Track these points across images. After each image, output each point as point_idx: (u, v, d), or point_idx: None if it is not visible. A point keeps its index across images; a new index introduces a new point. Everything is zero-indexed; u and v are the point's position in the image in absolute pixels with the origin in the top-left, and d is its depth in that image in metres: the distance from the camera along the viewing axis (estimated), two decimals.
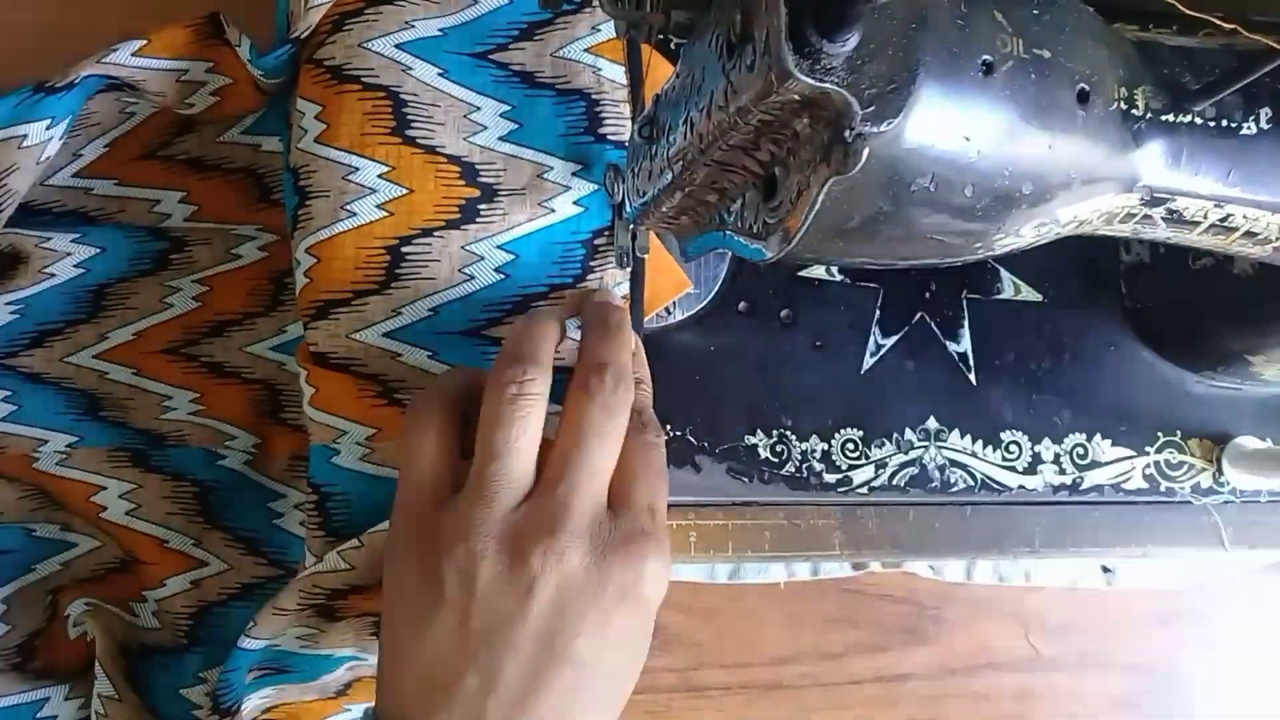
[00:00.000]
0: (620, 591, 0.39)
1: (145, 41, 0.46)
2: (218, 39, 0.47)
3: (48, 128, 0.45)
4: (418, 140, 0.47)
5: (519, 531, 0.39)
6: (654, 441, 0.43)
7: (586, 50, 0.49)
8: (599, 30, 0.49)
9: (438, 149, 0.47)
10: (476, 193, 0.48)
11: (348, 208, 0.46)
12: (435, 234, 0.47)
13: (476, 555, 0.39)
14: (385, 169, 0.47)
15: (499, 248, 0.48)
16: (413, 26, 0.48)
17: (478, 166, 0.48)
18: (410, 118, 0.47)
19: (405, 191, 0.47)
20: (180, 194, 0.53)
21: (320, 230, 0.47)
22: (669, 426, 0.49)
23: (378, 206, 0.47)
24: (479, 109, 0.48)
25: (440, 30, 0.48)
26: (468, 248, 0.47)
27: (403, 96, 0.47)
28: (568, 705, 0.39)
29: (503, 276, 0.48)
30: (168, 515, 0.52)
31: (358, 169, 0.47)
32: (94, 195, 0.53)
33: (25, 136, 0.45)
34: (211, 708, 0.46)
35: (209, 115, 0.51)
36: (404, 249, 0.47)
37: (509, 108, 0.48)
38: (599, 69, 0.49)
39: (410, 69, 0.48)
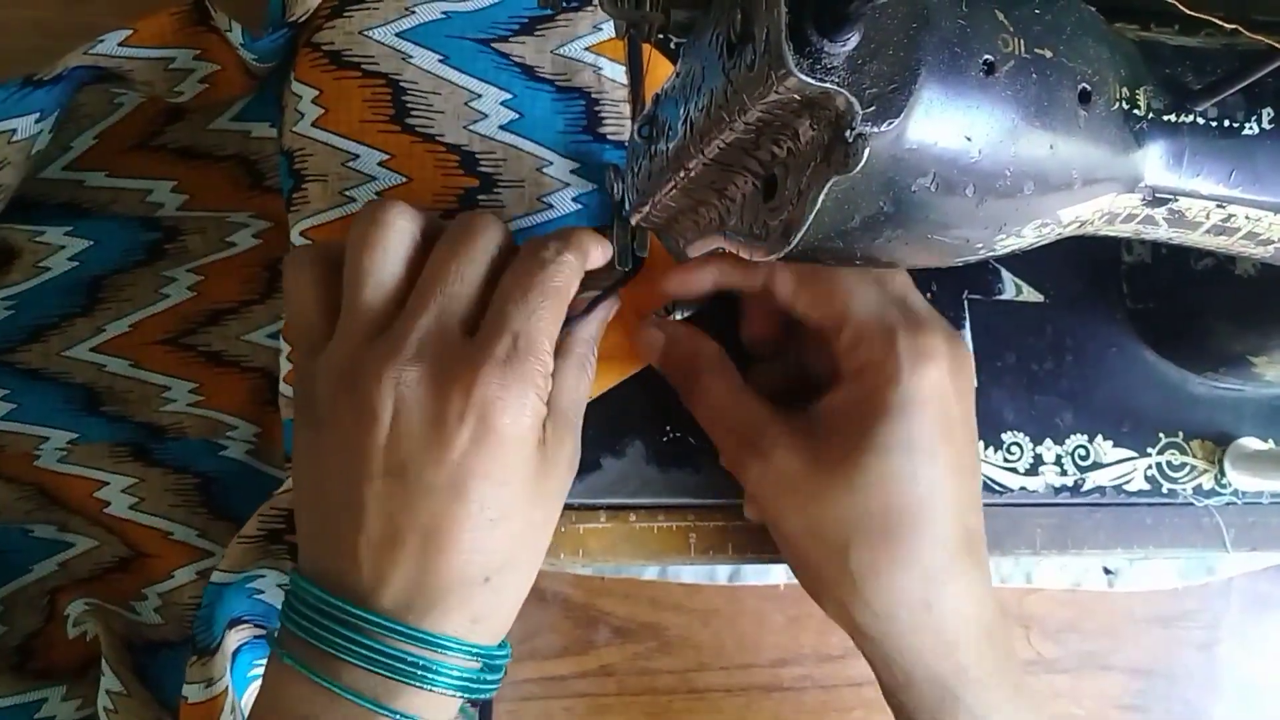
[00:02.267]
0: (460, 417, 0.37)
1: (131, 31, 0.46)
2: (204, 25, 0.47)
3: (36, 121, 0.45)
4: (417, 129, 0.47)
5: (366, 358, 0.38)
6: (547, 259, 0.40)
7: (587, 49, 0.49)
8: (600, 29, 0.49)
9: (437, 138, 0.48)
10: (476, 182, 0.48)
11: (347, 193, 0.47)
12: None
13: (330, 390, 0.38)
14: (385, 156, 0.47)
15: None
16: (414, 12, 0.48)
17: (477, 156, 0.48)
18: (410, 106, 0.47)
19: (405, 180, 0.47)
20: (172, 183, 0.53)
21: (317, 214, 0.47)
22: (668, 427, 0.49)
23: (377, 194, 0.47)
24: (480, 96, 0.48)
25: (444, 14, 0.48)
26: None
27: (402, 84, 0.47)
28: (438, 538, 0.37)
29: None
30: (171, 508, 0.52)
31: (358, 156, 0.47)
32: (86, 187, 0.53)
33: (14, 131, 0.45)
34: (193, 648, 0.46)
35: (198, 103, 0.51)
36: None
37: (510, 96, 0.48)
38: (599, 68, 0.49)
39: (410, 57, 0.48)
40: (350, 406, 0.38)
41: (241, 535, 0.46)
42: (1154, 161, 0.36)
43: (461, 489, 0.37)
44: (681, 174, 0.36)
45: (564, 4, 0.49)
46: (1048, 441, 0.53)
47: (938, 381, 0.41)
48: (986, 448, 0.52)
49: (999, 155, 0.32)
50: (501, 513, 0.38)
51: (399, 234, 0.40)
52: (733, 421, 0.45)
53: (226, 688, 0.46)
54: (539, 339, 0.38)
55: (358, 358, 0.38)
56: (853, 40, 0.28)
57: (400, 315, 0.39)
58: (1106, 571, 0.60)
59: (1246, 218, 0.38)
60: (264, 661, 0.49)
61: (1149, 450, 0.54)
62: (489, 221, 0.40)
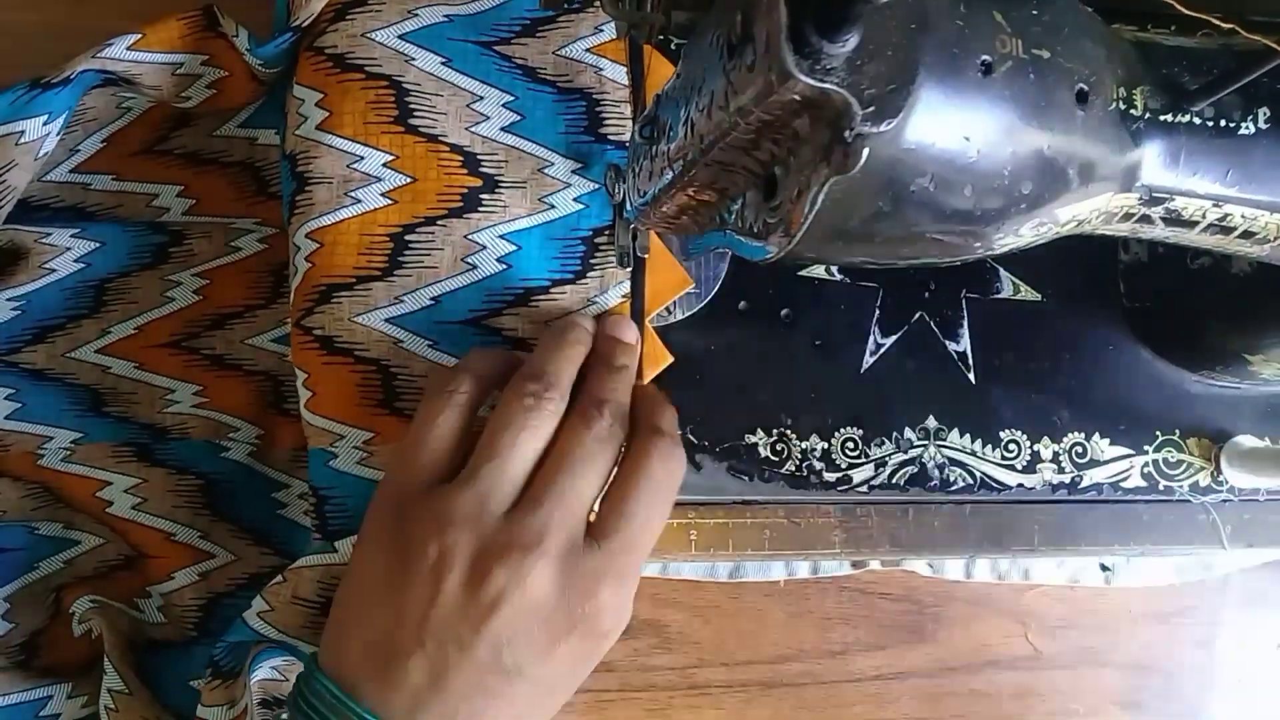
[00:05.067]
0: (572, 622, 0.40)
1: (140, 35, 0.46)
2: (213, 31, 0.47)
3: (44, 124, 0.46)
4: (420, 129, 0.47)
5: (494, 542, 0.40)
6: (654, 467, 0.43)
7: (589, 50, 0.49)
8: (601, 30, 0.49)
9: (440, 138, 0.48)
10: (479, 182, 0.48)
11: (352, 194, 0.47)
12: (438, 222, 0.47)
13: (450, 553, 0.40)
14: (390, 157, 0.47)
15: (501, 237, 0.48)
16: (416, 15, 0.48)
17: (480, 156, 0.48)
18: (413, 107, 0.47)
19: (409, 180, 0.47)
20: (178, 188, 0.53)
21: (323, 216, 0.47)
22: None
23: (382, 194, 0.47)
24: (482, 98, 0.48)
25: (446, 17, 0.48)
26: (470, 237, 0.47)
27: (405, 86, 0.47)
28: (505, 714, 0.40)
29: (505, 267, 0.48)
30: (173, 509, 0.52)
31: (362, 157, 0.47)
32: (92, 190, 0.53)
33: (23, 133, 0.45)
34: (213, 672, 0.46)
35: (205, 109, 0.51)
36: (407, 237, 0.47)
37: (512, 98, 0.49)
38: (601, 69, 0.49)
39: (413, 59, 0.48)
40: (470, 580, 0.39)
41: (297, 596, 0.46)
42: (1151, 161, 0.36)
43: (543, 678, 0.40)
44: (682, 174, 0.36)
45: (565, 5, 0.49)
46: (1045, 439, 0.53)
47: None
48: (985, 445, 0.52)
49: (997, 155, 0.33)
50: (556, 686, 0.42)
51: (551, 421, 0.42)
52: None
53: (247, 705, 0.47)
54: (648, 547, 0.42)
55: (492, 537, 0.40)
56: (852, 41, 0.28)
57: (531, 505, 0.41)
58: (1104, 568, 0.61)
59: (1243, 216, 0.39)
60: (274, 661, 0.49)
61: (1146, 448, 0.54)
62: (618, 434, 0.43)
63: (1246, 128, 0.37)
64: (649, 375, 0.50)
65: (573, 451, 0.42)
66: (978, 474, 0.53)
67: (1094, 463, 0.53)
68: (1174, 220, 0.39)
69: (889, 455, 0.53)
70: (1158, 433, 0.54)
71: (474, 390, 0.44)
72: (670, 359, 0.50)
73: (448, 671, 0.39)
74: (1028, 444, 0.53)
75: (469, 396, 0.43)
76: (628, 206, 0.44)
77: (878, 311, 0.53)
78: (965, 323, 0.53)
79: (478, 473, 0.41)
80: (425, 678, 0.39)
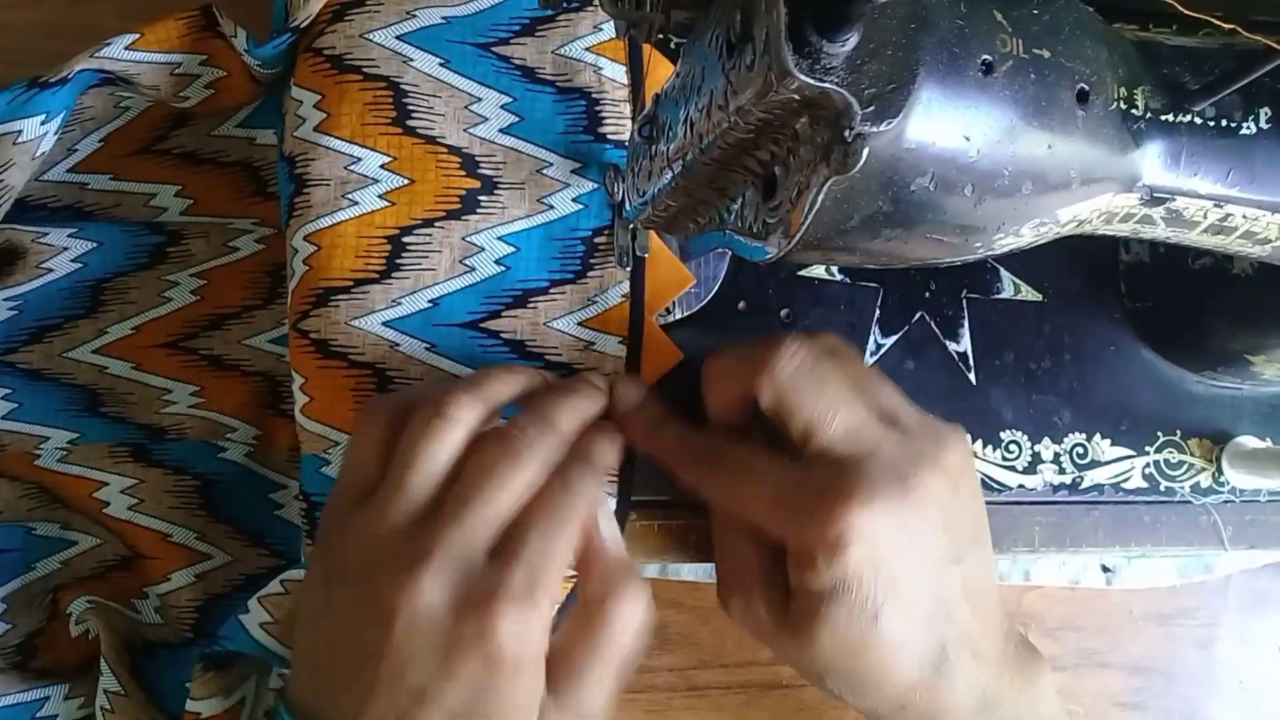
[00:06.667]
0: (467, 647, 0.38)
1: (138, 35, 0.46)
2: (211, 31, 0.47)
3: (42, 123, 0.45)
4: (418, 131, 0.47)
5: (387, 557, 0.39)
6: (575, 486, 0.41)
7: (588, 49, 0.49)
8: (601, 29, 0.49)
9: (438, 139, 0.48)
10: (477, 184, 0.48)
11: (349, 197, 0.47)
12: (436, 224, 0.47)
13: (351, 569, 0.40)
14: (387, 159, 0.47)
15: (499, 239, 0.48)
16: (415, 16, 0.48)
17: (478, 158, 0.48)
18: (411, 108, 0.47)
19: (407, 182, 0.47)
20: (176, 188, 0.53)
21: (321, 218, 0.47)
22: None
23: (380, 196, 0.47)
24: (480, 100, 0.48)
25: (444, 18, 0.48)
26: (468, 239, 0.47)
27: (403, 87, 0.47)
28: None
29: (503, 269, 0.48)
30: (170, 509, 0.52)
31: (360, 159, 0.47)
32: (90, 190, 0.53)
33: (20, 132, 0.45)
34: (204, 665, 0.46)
35: (203, 108, 0.51)
36: (405, 239, 0.47)
37: (510, 100, 0.48)
38: (600, 68, 0.49)
39: (411, 60, 0.48)
40: (367, 599, 0.39)
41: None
42: (1152, 161, 0.36)
43: (455, 706, 0.39)
44: (681, 174, 0.36)
45: (564, 4, 0.49)
46: (1046, 440, 0.53)
47: (870, 558, 0.41)
48: (985, 446, 0.52)
49: (997, 155, 0.32)
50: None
51: (456, 429, 0.41)
52: (724, 560, 0.47)
53: (244, 697, 0.47)
54: (553, 571, 0.40)
55: (386, 548, 0.39)
56: (852, 40, 0.28)
57: (430, 519, 0.40)
58: (1105, 569, 0.60)
59: (1244, 217, 0.39)
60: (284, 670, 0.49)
61: (1147, 448, 0.54)
62: (538, 452, 0.41)
63: (1248, 128, 0.37)
64: (658, 373, 0.50)
65: (477, 467, 0.41)
66: (978, 474, 0.53)
67: (1095, 463, 0.53)
68: (1175, 220, 0.39)
69: None
70: (1159, 433, 0.54)
71: (395, 411, 0.43)
72: (680, 355, 0.50)
73: (369, 695, 0.39)
74: (1028, 444, 0.53)
75: (388, 417, 0.43)
76: (627, 206, 0.44)
77: (878, 312, 0.53)
78: (966, 323, 0.53)
79: (380, 489, 0.41)
80: (353, 702, 0.39)
